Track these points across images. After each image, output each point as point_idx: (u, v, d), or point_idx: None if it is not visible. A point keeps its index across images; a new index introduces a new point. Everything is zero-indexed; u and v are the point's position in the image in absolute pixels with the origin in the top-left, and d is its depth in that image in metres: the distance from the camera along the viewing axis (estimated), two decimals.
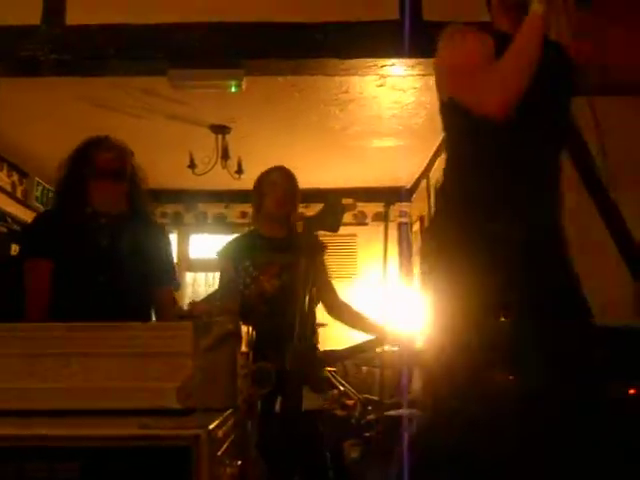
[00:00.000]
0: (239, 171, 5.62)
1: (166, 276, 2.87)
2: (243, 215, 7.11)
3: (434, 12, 3.45)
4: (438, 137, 4.97)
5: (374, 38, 3.45)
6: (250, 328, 2.14)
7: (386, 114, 5.05)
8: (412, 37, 3.41)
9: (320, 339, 3.23)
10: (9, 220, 5.91)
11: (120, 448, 1.32)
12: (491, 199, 2.00)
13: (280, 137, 5.53)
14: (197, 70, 3.58)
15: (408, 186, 6.66)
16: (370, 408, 4.39)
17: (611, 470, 2.09)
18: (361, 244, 7.06)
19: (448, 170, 2.13)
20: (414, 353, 3.51)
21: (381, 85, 4.49)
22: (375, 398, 4.50)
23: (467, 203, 2.03)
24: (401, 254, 6.85)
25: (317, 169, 5.94)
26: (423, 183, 6.34)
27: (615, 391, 2.48)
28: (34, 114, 4.96)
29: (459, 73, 1.97)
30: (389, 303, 5.48)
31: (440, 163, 4.98)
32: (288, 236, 3.19)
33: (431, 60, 2.21)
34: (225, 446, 1.49)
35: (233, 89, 3.63)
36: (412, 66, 3.56)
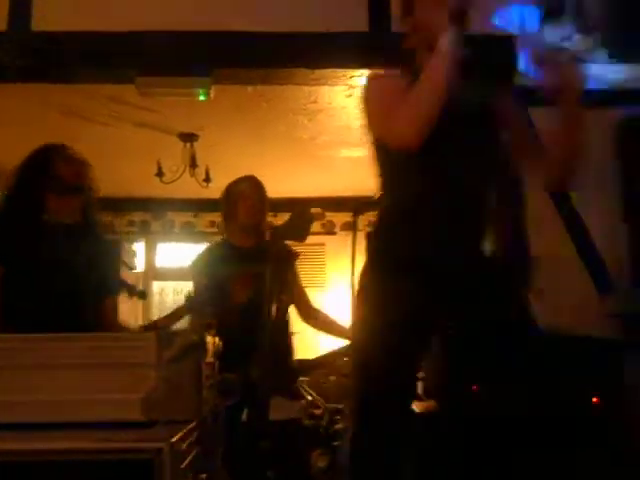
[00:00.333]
0: (207, 180, 5.60)
1: (108, 286, 2.83)
2: (212, 224, 7.07)
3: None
4: None
5: (343, 49, 3.47)
6: (217, 339, 2.13)
7: (355, 124, 5.06)
8: (381, 48, 3.43)
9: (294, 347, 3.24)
10: None
11: (81, 462, 1.30)
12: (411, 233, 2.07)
13: (249, 146, 5.52)
14: (165, 78, 3.56)
15: (377, 196, 6.67)
16: (338, 417, 4.38)
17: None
18: (330, 253, 7.06)
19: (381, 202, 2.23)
20: None
21: (350, 95, 4.50)
22: (343, 407, 4.49)
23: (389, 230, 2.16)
24: None
25: (286, 178, 5.93)
26: None
27: (579, 400, 2.51)
28: None
29: (376, 115, 2.08)
30: None
31: None
32: (258, 245, 3.18)
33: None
34: (189, 459, 1.48)
35: (201, 97, 3.62)
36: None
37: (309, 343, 3.68)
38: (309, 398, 4.41)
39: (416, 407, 2.38)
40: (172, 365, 1.59)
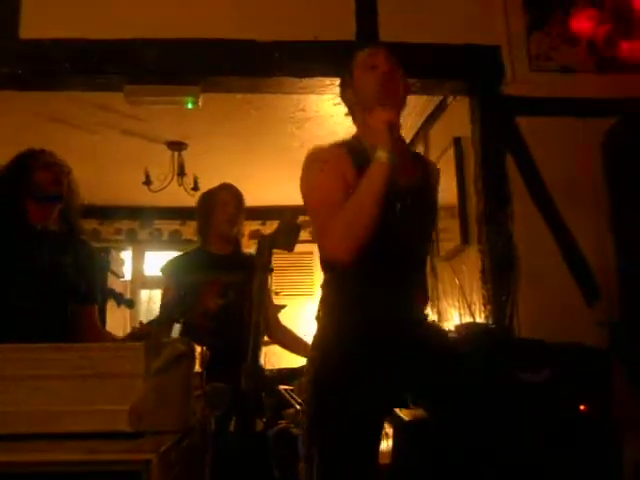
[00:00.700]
0: (195, 188, 5.59)
1: (91, 294, 2.82)
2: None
3: (390, 33, 3.49)
4: None
5: (331, 58, 3.47)
6: (204, 348, 2.12)
7: (342, 133, 5.06)
8: None
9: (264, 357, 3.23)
10: None
11: (69, 474, 1.29)
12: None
13: (237, 154, 5.52)
14: (153, 86, 3.55)
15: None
16: None
17: None
18: (317, 262, 7.04)
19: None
20: None
21: (337, 104, 4.50)
22: None
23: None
24: None
25: (274, 186, 5.93)
26: None
27: (567, 408, 2.52)
28: None
29: (313, 215, 2.03)
30: None
31: None
32: (234, 253, 3.18)
33: None
34: (177, 470, 1.47)
35: (190, 106, 3.62)
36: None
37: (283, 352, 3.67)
38: (297, 407, 4.40)
39: (404, 415, 2.38)
40: (160, 375, 1.58)
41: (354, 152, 2.05)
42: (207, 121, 4.81)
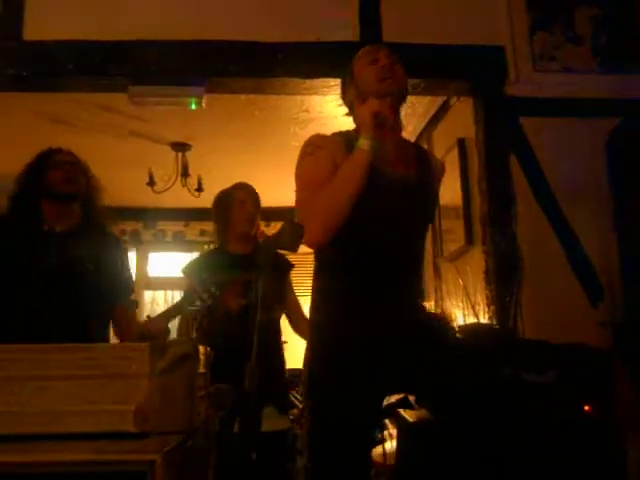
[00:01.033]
0: (199, 189, 5.59)
1: (125, 291, 2.83)
2: (202, 233, 7.07)
3: (394, 34, 3.49)
4: None
5: (335, 58, 3.48)
6: (208, 349, 2.12)
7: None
8: None
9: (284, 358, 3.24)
10: None
11: (74, 474, 1.29)
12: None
13: (241, 155, 5.52)
14: (157, 87, 3.55)
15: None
16: None
17: None
18: None
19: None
20: None
21: (341, 105, 4.51)
22: None
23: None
24: None
25: (278, 187, 5.91)
26: None
27: (571, 408, 2.52)
28: None
29: (297, 196, 2.05)
30: None
31: None
32: (254, 252, 3.17)
33: None
34: (182, 469, 1.47)
35: (193, 107, 3.62)
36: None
37: (301, 353, 3.67)
38: (301, 407, 4.40)
39: (409, 416, 2.38)
40: (165, 376, 1.58)
41: (350, 143, 2.06)
42: (211, 122, 4.81)
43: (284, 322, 3.33)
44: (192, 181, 5.58)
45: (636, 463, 2.60)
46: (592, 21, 3.61)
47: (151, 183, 5.52)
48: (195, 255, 3.47)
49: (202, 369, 1.97)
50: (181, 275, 3.30)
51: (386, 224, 1.99)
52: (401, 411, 2.46)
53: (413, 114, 4.59)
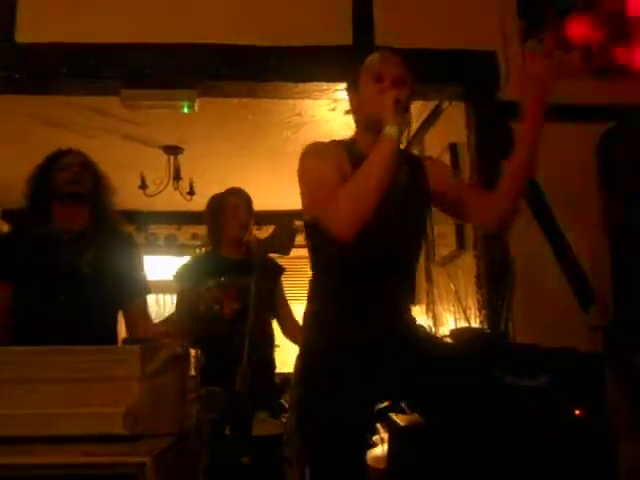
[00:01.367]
0: (191, 192, 5.59)
1: (136, 290, 2.82)
2: (194, 237, 7.06)
3: (386, 38, 3.50)
4: None
5: (327, 63, 3.48)
6: (199, 351, 2.12)
7: (338, 137, 5.08)
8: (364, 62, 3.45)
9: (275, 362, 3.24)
10: None
11: (65, 476, 1.29)
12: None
13: (233, 159, 5.52)
14: (150, 90, 3.55)
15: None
16: None
17: None
18: None
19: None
20: None
21: (333, 109, 4.53)
22: None
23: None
24: None
25: (270, 191, 5.93)
26: None
27: (562, 412, 2.52)
28: None
29: (314, 197, 2.01)
30: None
31: None
32: (246, 257, 3.18)
33: None
34: (173, 472, 1.47)
35: (186, 110, 3.62)
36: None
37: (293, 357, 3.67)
38: None
39: (400, 420, 2.39)
40: (156, 378, 1.58)
41: (350, 151, 2.06)
42: (203, 125, 4.81)
43: (275, 326, 3.33)
44: (184, 184, 5.57)
45: (627, 467, 2.61)
46: (583, 27, 3.63)
47: (143, 186, 5.51)
48: (186, 259, 3.46)
49: (193, 372, 1.97)
50: (172, 279, 3.30)
51: (380, 229, 1.99)
52: (392, 415, 2.46)
53: None
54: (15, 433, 1.42)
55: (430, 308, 4.48)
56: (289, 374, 3.41)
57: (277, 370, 3.31)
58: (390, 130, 1.93)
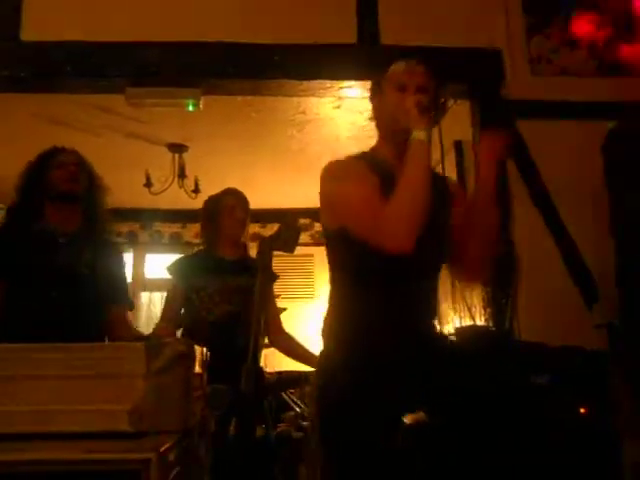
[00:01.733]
0: (196, 190, 5.59)
1: (120, 294, 2.83)
2: (199, 235, 7.06)
3: (391, 36, 3.50)
4: None
5: (332, 60, 3.49)
6: (204, 349, 2.12)
7: (343, 135, 5.09)
8: (369, 60, 3.45)
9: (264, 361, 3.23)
10: None
11: (69, 473, 1.29)
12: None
13: (238, 157, 5.52)
14: (155, 88, 3.56)
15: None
16: None
17: None
18: (318, 264, 7.04)
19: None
20: None
21: (338, 107, 4.53)
22: None
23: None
24: None
25: (274, 189, 5.94)
26: None
27: (566, 411, 2.52)
28: None
29: (359, 219, 1.96)
30: None
31: None
32: (242, 258, 3.18)
33: None
34: (177, 470, 1.47)
35: (191, 108, 3.62)
36: (369, 89, 3.60)
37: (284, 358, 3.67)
38: (297, 410, 4.40)
39: (405, 419, 2.38)
40: (160, 376, 1.58)
41: (371, 162, 2.04)
42: (208, 123, 4.82)
43: None
44: (189, 182, 5.58)
45: (632, 465, 2.61)
46: (589, 24, 3.62)
47: (148, 184, 5.52)
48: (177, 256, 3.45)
49: (198, 369, 1.97)
50: (166, 270, 3.29)
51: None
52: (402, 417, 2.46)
53: None
54: (20, 430, 1.43)
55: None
56: (290, 372, 3.40)
57: (278, 369, 3.31)
58: (419, 134, 1.92)
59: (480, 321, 3.48)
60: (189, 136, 5.21)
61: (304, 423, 4.25)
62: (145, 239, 7.40)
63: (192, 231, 7.19)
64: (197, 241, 7.21)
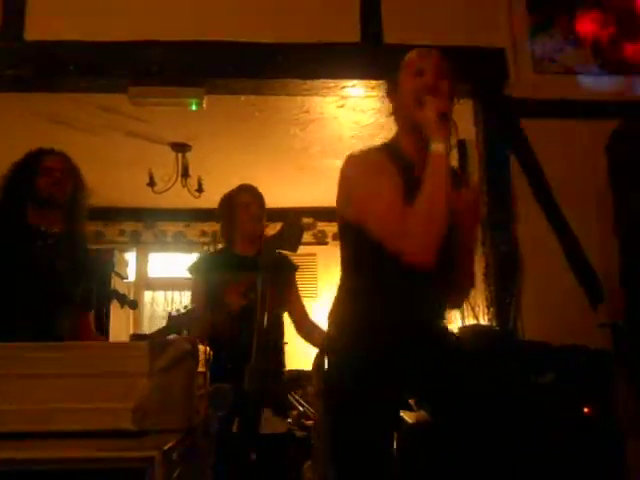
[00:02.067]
0: (199, 190, 5.59)
1: (87, 301, 2.80)
2: (203, 234, 7.07)
3: (394, 35, 3.50)
4: None
5: (335, 60, 3.49)
6: (207, 348, 2.12)
7: (346, 134, 5.08)
8: (372, 59, 3.45)
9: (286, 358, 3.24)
10: None
11: (73, 471, 1.29)
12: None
13: (241, 156, 5.52)
14: (158, 87, 3.56)
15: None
16: None
17: None
18: (321, 264, 7.05)
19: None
20: None
21: (341, 106, 4.52)
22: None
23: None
24: None
25: (278, 188, 5.92)
26: None
27: (570, 410, 2.52)
28: None
29: (382, 222, 1.92)
30: None
31: None
32: (258, 254, 3.19)
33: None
34: (181, 468, 1.47)
35: (194, 107, 3.62)
36: (372, 88, 3.60)
37: (302, 354, 3.67)
38: (300, 409, 4.40)
39: (408, 417, 2.38)
40: (164, 374, 1.58)
41: (394, 156, 2.02)
42: (211, 123, 4.81)
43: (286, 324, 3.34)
44: (192, 182, 5.58)
45: (634, 464, 2.61)
46: (593, 23, 3.62)
47: (151, 184, 5.51)
48: (198, 255, 3.48)
49: (202, 368, 1.97)
50: (181, 275, 3.32)
51: None
52: (401, 413, 2.46)
53: None
54: (23, 428, 1.43)
55: None
56: (297, 371, 3.41)
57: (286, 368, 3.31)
58: (437, 147, 1.89)
59: (484, 321, 3.48)
60: (192, 135, 5.21)
61: (307, 422, 4.25)
62: (148, 238, 7.40)
63: (196, 230, 7.20)
64: (201, 240, 7.26)
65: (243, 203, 3.23)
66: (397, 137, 2.12)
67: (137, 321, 6.97)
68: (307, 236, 6.84)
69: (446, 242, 1.96)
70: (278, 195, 5.72)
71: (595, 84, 3.52)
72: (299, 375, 3.89)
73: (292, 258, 3.22)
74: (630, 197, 3.30)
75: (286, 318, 3.29)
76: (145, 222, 7.29)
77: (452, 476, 1.97)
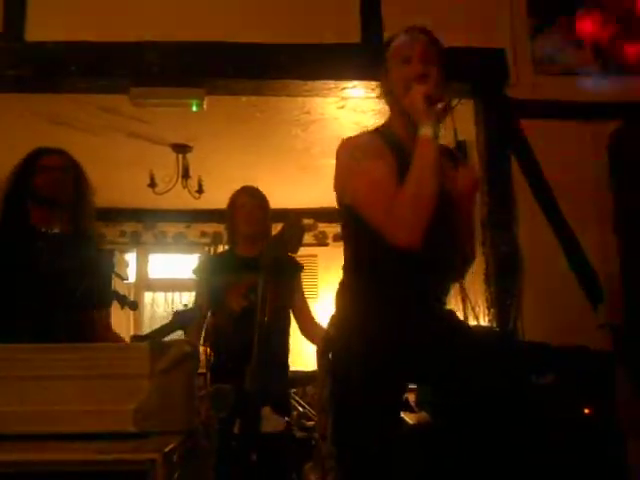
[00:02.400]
0: (200, 190, 5.60)
1: (102, 297, 2.79)
2: (203, 234, 7.06)
3: None
4: None
5: (336, 60, 3.48)
6: (208, 349, 2.12)
7: (347, 135, 5.08)
8: (373, 60, 3.45)
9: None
10: None
11: (74, 473, 1.29)
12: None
13: (242, 157, 5.52)
14: (159, 88, 3.56)
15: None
16: None
17: None
18: (322, 265, 7.04)
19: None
20: None
21: (342, 107, 4.52)
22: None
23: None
24: None
25: (278, 189, 5.92)
26: None
27: (571, 411, 2.52)
28: None
29: (372, 205, 1.93)
30: None
31: None
32: (259, 255, 3.19)
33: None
34: (181, 469, 1.47)
35: (195, 108, 3.62)
36: (373, 89, 3.60)
37: (303, 354, 3.67)
38: (300, 410, 4.40)
39: (408, 419, 2.38)
40: (165, 376, 1.59)
41: (388, 139, 2.03)
42: (212, 123, 4.82)
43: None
44: (193, 183, 5.58)
45: (636, 465, 2.61)
46: (593, 24, 3.61)
47: (152, 184, 5.52)
48: (198, 256, 3.51)
49: (203, 369, 1.97)
50: (181, 276, 3.33)
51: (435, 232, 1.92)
52: (401, 414, 2.46)
53: None
54: (25, 430, 1.43)
55: None
56: (296, 371, 3.40)
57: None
58: (425, 131, 1.90)
59: (484, 321, 3.48)
60: (192, 136, 5.21)
61: (308, 423, 4.25)
62: (149, 239, 7.40)
63: (196, 231, 7.19)
64: (201, 241, 7.26)
65: (240, 204, 3.25)
66: (389, 121, 2.14)
67: (137, 322, 6.97)
68: (308, 237, 6.85)
69: (444, 222, 1.97)
70: (279, 196, 5.71)
71: (595, 85, 3.52)
72: (299, 375, 3.89)
73: (275, 267, 3.22)
74: (630, 197, 3.30)
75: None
76: (145, 223, 7.29)
77: (452, 476, 1.97)
